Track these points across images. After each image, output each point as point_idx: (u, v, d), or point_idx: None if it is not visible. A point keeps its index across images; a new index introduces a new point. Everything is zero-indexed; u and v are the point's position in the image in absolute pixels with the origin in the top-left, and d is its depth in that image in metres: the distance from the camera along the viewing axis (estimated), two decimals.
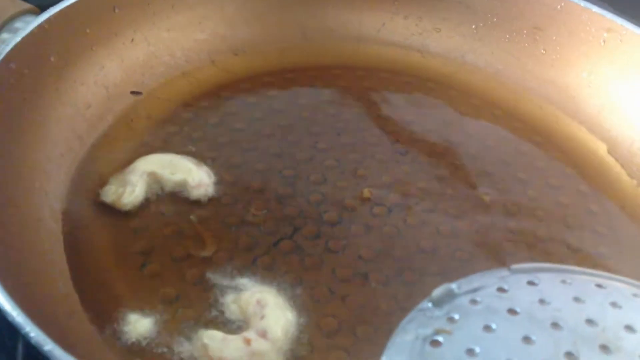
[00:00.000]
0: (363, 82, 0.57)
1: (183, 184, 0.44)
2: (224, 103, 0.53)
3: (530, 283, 0.31)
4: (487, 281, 0.31)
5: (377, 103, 0.55)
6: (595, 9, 0.53)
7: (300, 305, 0.38)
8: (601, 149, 0.52)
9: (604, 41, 0.53)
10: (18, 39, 0.43)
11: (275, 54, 0.58)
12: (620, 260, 0.44)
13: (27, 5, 0.47)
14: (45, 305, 0.34)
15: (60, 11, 0.46)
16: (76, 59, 0.48)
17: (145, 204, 0.43)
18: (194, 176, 0.44)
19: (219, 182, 0.45)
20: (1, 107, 0.41)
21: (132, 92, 0.51)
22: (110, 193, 0.43)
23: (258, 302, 0.36)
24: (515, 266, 0.32)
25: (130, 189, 0.43)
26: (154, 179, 0.44)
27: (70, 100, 0.47)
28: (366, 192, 0.46)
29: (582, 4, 0.54)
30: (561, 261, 0.43)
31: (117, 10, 0.50)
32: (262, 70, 0.57)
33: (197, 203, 0.44)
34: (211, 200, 0.44)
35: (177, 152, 0.47)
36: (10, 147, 0.41)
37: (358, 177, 0.47)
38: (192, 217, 0.42)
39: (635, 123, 0.51)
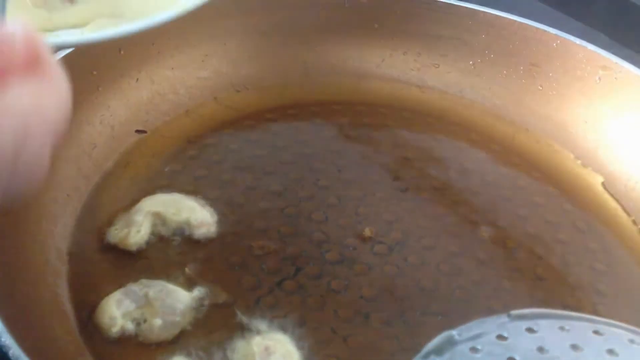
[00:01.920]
0: (363, 117, 0.58)
1: (186, 224, 0.45)
2: (227, 140, 0.54)
3: (530, 330, 0.31)
4: (487, 328, 0.32)
5: (377, 139, 0.56)
6: (590, 47, 0.54)
7: (303, 347, 0.39)
8: (598, 184, 0.53)
9: (600, 78, 0.54)
10: None
11: (276, 90, 0.59)
12: (618, 298, 0.44)
13: None
14: (52, 352, 0.35)
15: (68, 54, 0.47)
16: (83, 100, 0.49)
17: (150, 244, 0.44)
18: (197, 216, 0.45)
19: (221, 221, 0.46)
20: None
21: (137, 131, 0.52)
22: (115, 234, 0.44)
23: (266, 349, 0.36)
24: (514, 312, 0.32)
25: (136, 229, 0.44)
26: (158, 218, 0.45)
27: (76, 140, 0.48)
28: (367, 231, 0.47)
29: (578, 41, 0.55)
30: (560, 299, 0.44)
31: (122, 52, 0.51)
32: (264, 107, 0.58)
33: (200, 242, 0.45)
34: (214, 239, 0.45)
35: (181, 191, 0.48)
36: None
37: (359, 215, 0.48)
38: (186, 269, 0.43)
39: (631, 159, 0.52)
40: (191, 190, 0.48)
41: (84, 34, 0.32)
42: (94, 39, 0.32)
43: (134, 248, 0.43)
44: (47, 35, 0.32)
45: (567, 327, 0.32)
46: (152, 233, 0.44)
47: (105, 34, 0.32)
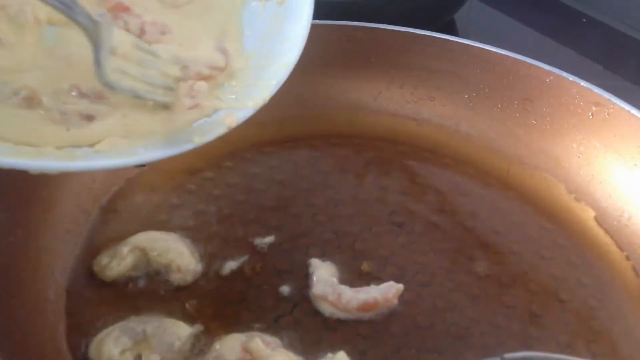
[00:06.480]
0: (360, 151, 0.59)
1: (166, 267, 0.45)
2: (226, 174, 0.55)
3: None
4: None
5: (373, 173, 0.57)
6: (583, 83, 0.55)
7: None
8: (590, 218, 0.53)
9: (592, 114, 0.55)
10: None
11: (275, 124, 0.60)
12: (611, 334, 0.45)
13: None
14: None
15: None
16: None
17: (149, 279, 0.45)
18: (180, 262, 0.45)
19: (221, 257, 0.47)
20: (11, 191, 0.42)
21: (136, 165, 0.53)
22: (98, 261, 0.45)
23: None
24: (508, 355, 0.33)
25: (117, 261, 0.44)
26: (144, 255, 0.45)
27: (76, 176, 0.48)
28: (365, 266, 0.47)
29: (571, 77, 0.56)
30: (554, 336, 0.44)
31: None
32: (263, 140, 0.58)
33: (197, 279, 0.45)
34: (215, 275, 0.45)
35: (181, 226, 0.48)
36: (19, 229, 0.42)
37: (355, 251, 0.49)
38: (187, 305, 0.43)
39: (624, 194, 0.53)
40: (191, 226, 0.49)
41: (100, 157, 0.33)
42: (116, 164, 0.33)
43: (109, 279, 0.44)
44: (63, 154, 0.32)
45: None
46: (134, 268, 0.45)
47: (128, 161, 0.33)
